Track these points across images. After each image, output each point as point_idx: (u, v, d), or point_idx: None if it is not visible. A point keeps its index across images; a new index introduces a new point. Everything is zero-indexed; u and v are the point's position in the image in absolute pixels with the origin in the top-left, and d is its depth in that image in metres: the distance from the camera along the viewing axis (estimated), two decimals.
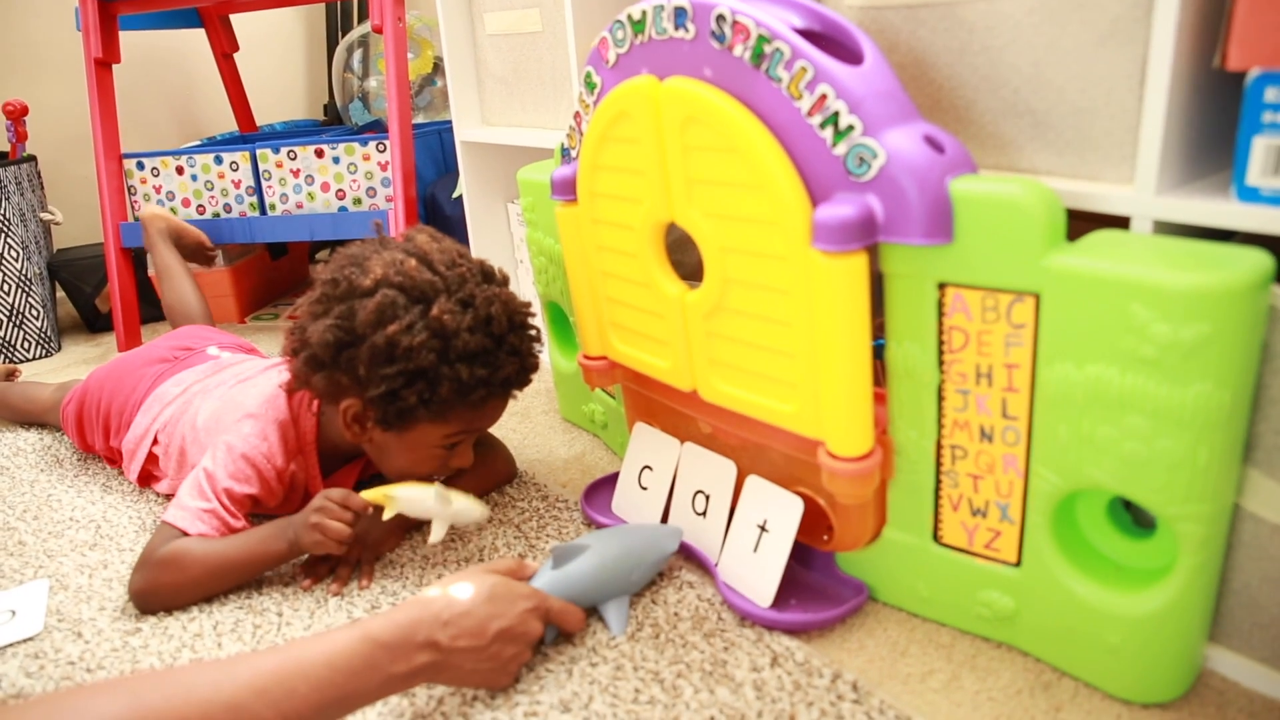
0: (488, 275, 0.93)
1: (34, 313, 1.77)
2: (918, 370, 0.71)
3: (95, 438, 1.19)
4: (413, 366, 0.85)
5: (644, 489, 0.93)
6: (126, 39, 1.79)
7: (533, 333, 0.94)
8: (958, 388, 0.69)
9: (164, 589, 0.87)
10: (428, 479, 0.92)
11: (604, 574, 0.80)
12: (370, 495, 0.87)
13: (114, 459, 1.19)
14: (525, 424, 1.24)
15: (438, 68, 2.07)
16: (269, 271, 2.02)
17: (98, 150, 1.75)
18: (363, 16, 2.30)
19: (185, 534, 0.89)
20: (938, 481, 0.74)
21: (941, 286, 0.67)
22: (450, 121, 1.79)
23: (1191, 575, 0.63)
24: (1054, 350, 0.63)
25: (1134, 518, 0.70)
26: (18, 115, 1.87)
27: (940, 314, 0.68)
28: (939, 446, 0.72)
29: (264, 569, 0.90)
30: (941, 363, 0.70)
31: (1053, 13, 0.70)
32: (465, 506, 0.88)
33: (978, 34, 0.75)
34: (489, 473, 1.05)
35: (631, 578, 0.82)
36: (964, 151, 0.67)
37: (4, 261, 1.72)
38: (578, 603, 0.79)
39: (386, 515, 0.87)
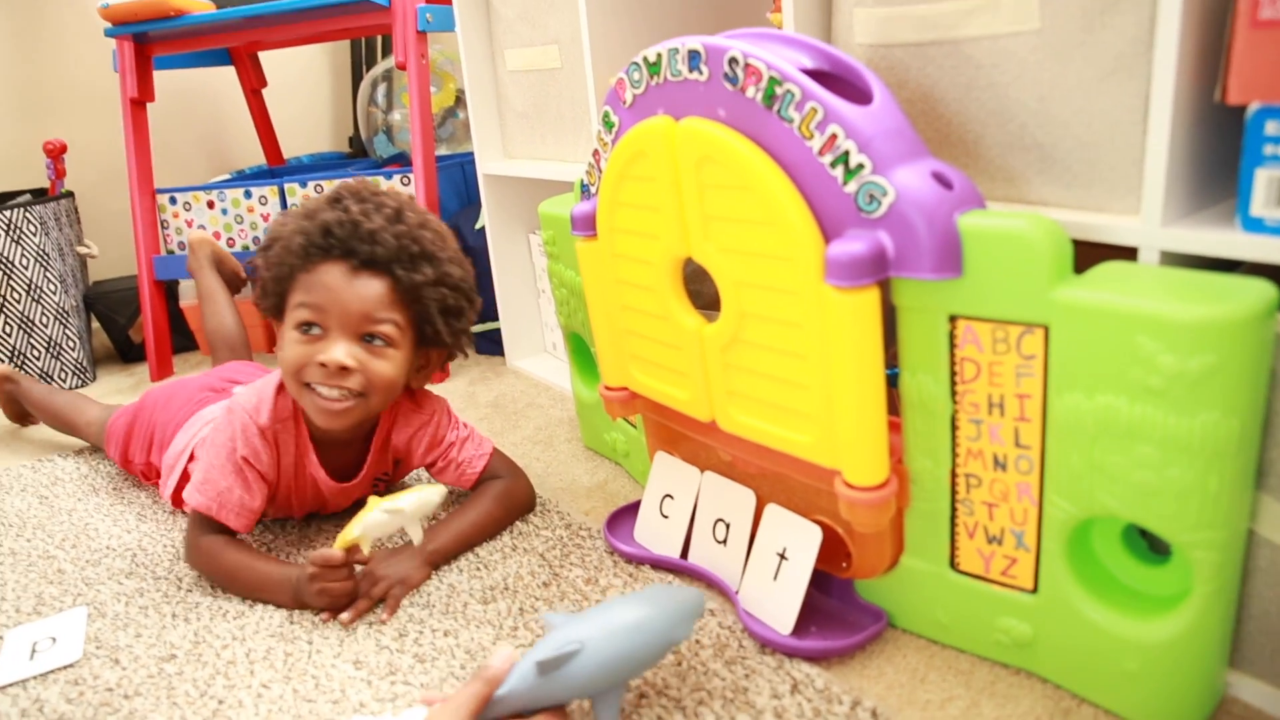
0: (391, 188, 1.02)
1: (70, 344, 1.82)
2: (931, 400, 0.72)
3: (137, 452, 1.23)
4: (269, 237, 0.98)
5: (665, 517, 0.95)
6: (160, 77, 1.84)
7: (375, 202, 0.95)
8: (971, 417, 0.71)
9: (201, 570, 1.01)
10: (375, 492, 1.01)
11: (595, 680, 0.67)
12: (340, 543, 0.90)
13: (149, 475, 1.23)
14: (548, 452, 1.26)
15: (459, 100, 2.11)
16: None
17: (132, 186, 1.80)
18: (386, 52, 2.35)
19: (213, 522, 0.99)
20: (953, 509, 0.75)
21: (952, 319, 0.69)
22: (472, 153, 1.82)
23: (1208, 601, 0.64)
24: (1064, 381, 0.65)
25: (1149, 544, 0.71)
26: (57, 153, 1.93)
27: (952, 345, 0.70)
28: (954, 475, 0.74)
29: (264, 600, 0.96)
30: (954, 393, 0.71)
31: (1057, 50, 0.72)
32: (418, 500, 0.89)
33: (984, 70, 0.77)
34: (511, 504, 1.07)
35: (628, 677, 0.69)
36: (972, 187, 0.69)
37: (43, 295, 1.77)
38: (562, 702, 0.69)
39: (365, 551, 0.91)
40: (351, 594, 0.92)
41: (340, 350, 0.92)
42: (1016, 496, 0.71)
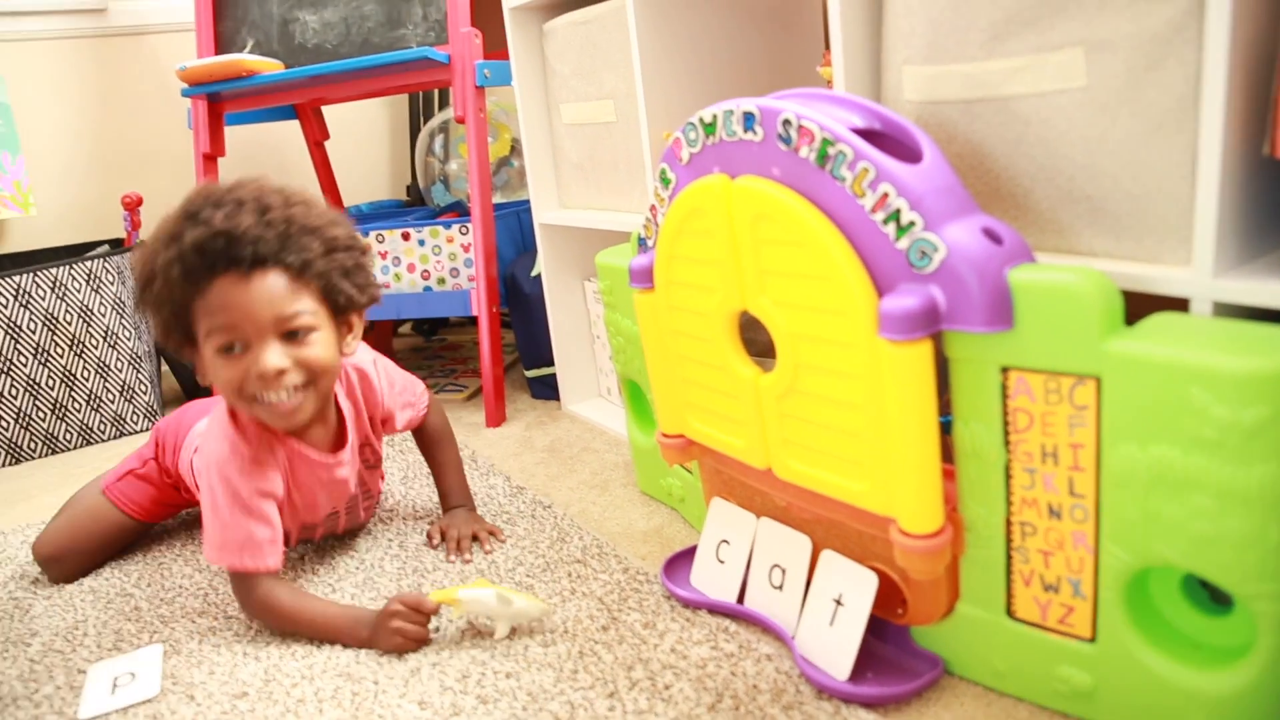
0: (238, 180, 0.96)
1: (142, 388, 1.89)
2: (984, 450, 0.73)
3: (165, 454, 1.26)
4: (141, 276, 0.94)
5: (721, 562, 0.97)
6: (229, 132, 1.93)
7: (234, 201, 0.92)
8: (1024, 466, 0.72)
9: (265, 624, 1.03)
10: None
11: None
12: (439, 596, 0.95)
13: (167, 476, 1.26)
14: (604, 497, 1.28)
15: (515, 149, 2.17)
16: None
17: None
18: (444, 104, 2.43)
19: (254, 573, 1.00)
20: (1009, 557, 0.76)
21: (1004, 370, 0.70)
22: (527, 201, 1.88)
23: (1273, 654, 0.64)
24: (1117, 431, 0.66)
25: (1210, 594, 0.71)
26: (134, 206, 2.02)
27: (1004, 396, 0.71)
28: (1008, 523, 0.75)
29: (333, 642, 0.99)
30: (1007, 442, 0.72)
31: (1103, 106, 0.74)
32: (524, 607, 0.93)
33: (1033, 126, 0.79)
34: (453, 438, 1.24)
35: None
36: (1021, 241, 0.70)
37: (119, 341, 1.85)
38: None
39: (455, 615, 0.96)
40: (423, 642, 0.95)
41: (270, 357, 0.92)
42: (1072, 545, 0.71)
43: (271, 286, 0.92)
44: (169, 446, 1.25)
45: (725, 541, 0.97)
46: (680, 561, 1.04)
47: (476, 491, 1.31)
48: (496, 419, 1.64)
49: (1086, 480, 0.69)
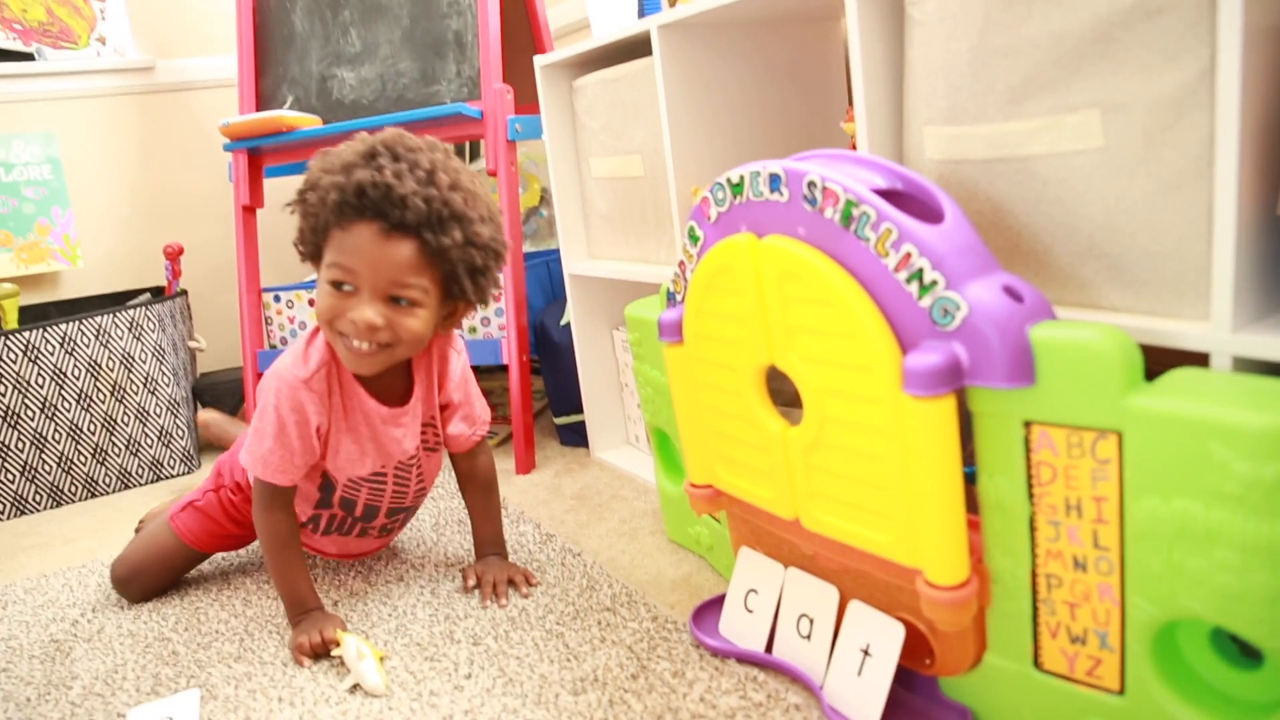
0: (428, 141, 1.02)
1: (180, 433, 1.94)
2: (1009, 502, 0.75)
3: (224, 477, 1.30)
4: (307, 182, 1.01)
5: (750, 612, 0.98)
6: (268, 184, 1.99)
7: (410, 161, 0.97)
8: (1049, 519, 0.73)
9: (259, 534, 1.15)
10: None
11: None
12: (340, 639, 1.06)
13: (225, 508, 1.30)
14: (633, 545, 1.30)
15: (544, 198, 2.22)
16: None
17: (241, 285, 1.93)
18: (475, 155, 2.49)
19: (271, 485, 1.11)
20: (1035, 609, 0.77)
21: (1027, 424, 0.72)
22: (556, 250, 1.92)
23: None
24: (1140, 485, 0.67)
25: (1241, 648, 0.71)
26: (175, 255, 2.09)
27: (1027, 450, 0.72)
28: (1034, 575, 0.76)
29: (282, 597, 1.15)
30: (1031, 495, 0.73)
31: (1119, 166, 0.76)
32: (366, 669, 1.00)
33: (1051, 185, 0.81)
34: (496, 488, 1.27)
35: None
36: (1042, 299, 0.72)
37: (158, 387, 1.90)
38: None
39: (334, 651, 1.06)
40: (309, 657, 1.07)
41: (370, 311, 0.99)
42: (1098, 597, 0.72)
43: (401, 252, 0.98)
44: (227, 468, 1.30)
45: (753, 591, 0.98)
46: (709, 610, 1.05)
47: (506, 538, 1.32)
48: (526, 466, 1.66)
49: (1111, 533, 0.70)
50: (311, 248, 1.04)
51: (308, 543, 1.27)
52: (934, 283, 0.71)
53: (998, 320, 0.69)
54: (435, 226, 0.97)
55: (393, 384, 1.15)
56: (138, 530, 1.50)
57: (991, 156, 0.85)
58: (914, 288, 0.72)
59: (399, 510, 1.27)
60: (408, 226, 0.97)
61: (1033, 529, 0.74)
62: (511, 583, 1.19)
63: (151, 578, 1.29)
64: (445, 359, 1.19)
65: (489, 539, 1.26)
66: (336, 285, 1.00)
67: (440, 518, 1.48)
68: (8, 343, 1.74)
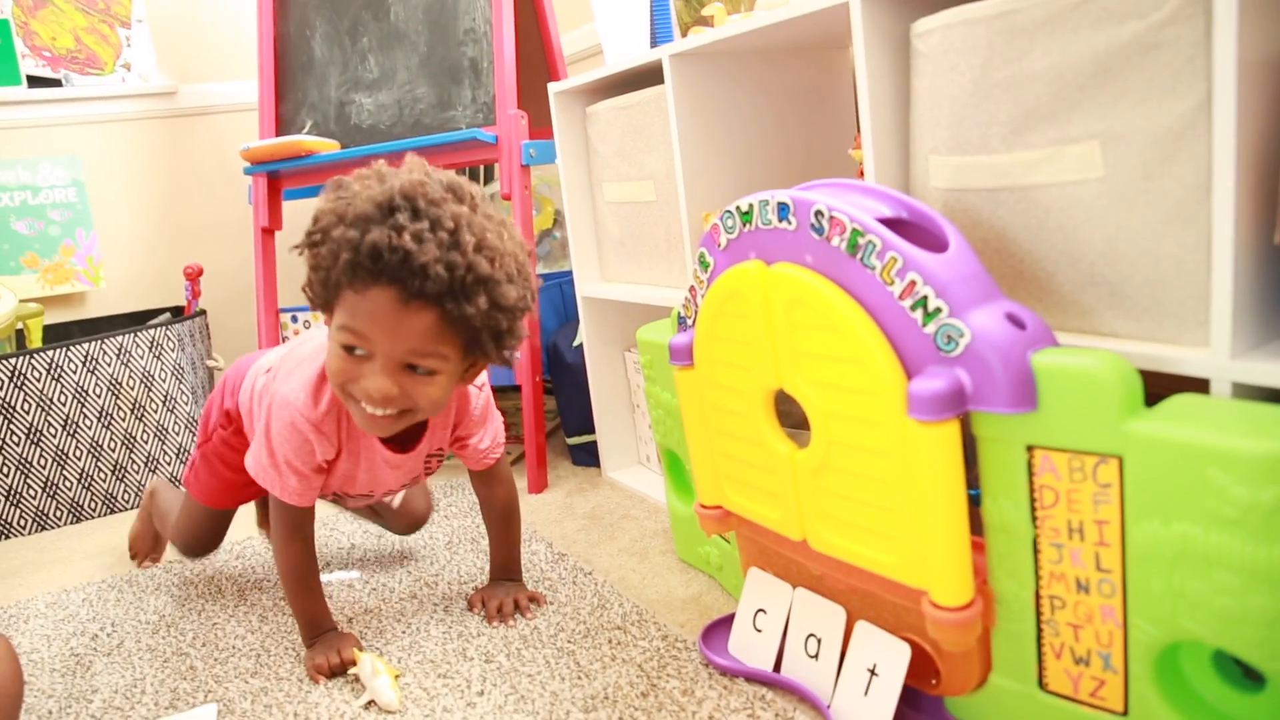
0: (452, 187, 0.93)
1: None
2: (1012, 525, 0.76)
3: (226, 396, 1.28)
4: (317, 228, 0.91)
5: (759, 631, 0.99)
6: (286, 206, 2.02)
7: (432, 219, 0.88)
8: (1051, 541, 0.74)
9: (275, 553, 1.16)
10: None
11: None
12: (356, 655, 1.09)
13: (227, 423, 1.28)
14: (644, 564, 1.31)
15: (557, 221, 2.25)
16: None
17: (259, 306, 1.96)
18: (489, 178, 2.52)
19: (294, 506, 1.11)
20: (1039, 630, 0.78)
21: (1030, 449, 0.73)
22: (568, 272, 1.94)
23: None
24: (1140, 508, 0.68)
25: (1244, 670, 0.72)
26: (195, 276, 2.12)
27: (1030, 473, 0.74)
28: (1038, 596, 0.77)
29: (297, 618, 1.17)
30: (1034, 518, 0.75)
31: (1119, 196, 0.78)
32: (380, 686, 1.03)
33: (1053, 214, 0.83)
34: (517, 514, 1.26)
35: None
36: (1043, 326, 0.74)
37: (176, 405, 1.93)
38: None
39: (351, 671, 1.09)
40: (326, 676, 1.10)
41: (385, 382, 0.92)
42: (1101, 619, 0.73)
43: (421, 322, 0.90)
44: (230, 388, 1.27)
45: (762, 610, 1.00)
46: (718, 629, 1.07)
47: None
48: (538, 485, 1.68)
49: (1112, 555, 0.71)
50: (321, 301, 0.96)
51: None
52: (938, 310, 0.73)
53: (1000, 347, 0.71)
54: (458, 295, 0.89)
55: (406, 431, 1.10)
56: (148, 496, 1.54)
57: (995, 186, 0.87)
58: (919, 315, 0.74)
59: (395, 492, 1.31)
60: (428, 296, 0.88)
61: (1036, 551, 0.76)
62: (517, 605, 1.20)
63: (201, 540, 1.35)
64: (465, 397, 1.15)
65: (502, 564, 1.26)
66: (349, 349, 0.93)
67: (454, 535, 1.50)
68: (32, 361, 1.77)
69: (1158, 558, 0.68)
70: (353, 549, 1.49)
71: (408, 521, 1.44)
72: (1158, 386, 0.75)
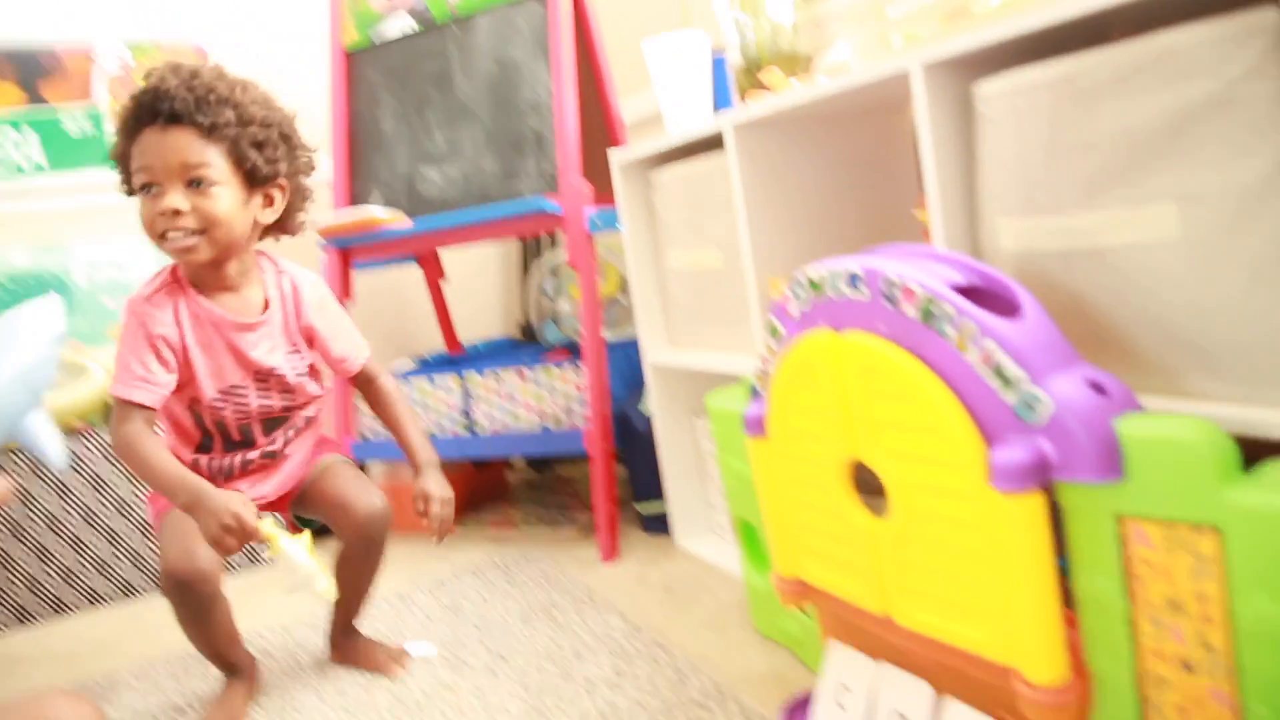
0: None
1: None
2: (1105, 599, 0.73)
3: None
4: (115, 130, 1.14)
5: (841, 708, 0.96)
6: (356, 276, 2.08)
7: (173, 67, 1.10)
8: (1149, 617, 0.71)
9: (123, 458, 1.13)
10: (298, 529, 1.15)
11: None
12: (268, 533, 1.07)
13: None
14: (722, 639, 1.29)
15: (622, 286, 2.27)
16: (473, 482, 2.19)
17: (333, 376, 2.01)
18: (553, 244, 2.57)
19: (130, 405, 1.13)
20: (1142, 713, 0.74)
21: (1119, 519, 0.71)
22: (635, 338, 1.95)
23: None
24: (1246, 582, 0.65)
25: None
26: None
27: (1121, 545, 0.71)
28: (1138, 676, 0.74)
29: (166, 495, 1.12)
30: (1129, 592, 0.72)
31: (1200, 256, 0.76)
32: (314, 571, 1.05)
33: (1132, 276, 0.81)
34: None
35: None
36: (1127, 392, 0.72)
37: None
38: None
39: (268, 555, 1.07)
40: (229, 551, 1.07)
41: (170, 199, 1.09)
42: (1212, 701, 0.70)
43: (181, 139, 1.10)
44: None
45: (844, 687, 0.97)
46: (800, 706, 1.04)
47: (593, 629, 1.33)
48: (610, 554, 1.67)
49: (1218, 633, 0.68)
50: (124, 177, 1.15)
51: None
52: (1016, 378, 0.71)
53: (1083, 415, 0.69)
54: (205, 109, 1.09)
55: (246, 300, 1.22)
56: None
57: (1068, 248, 0.85)
58: (996, 383, 0.73)
59: (274, 423, 1.28)
60: (179, 116, 1.09)
61: (1133, 628, 0.73)
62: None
63: (181, 558, 1.20)
64: (296, 288, 1.27)
65: (420, 444, 1.33)
66: (145, 189, 1.11)
67: (529, 608, 1.49)
68: None
69: (1271, 636, 0.65)
70: (429, 621, 1.50)
71: (353, 522, 1.29)
72: (1252, 451, 0.72)
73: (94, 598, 1.84)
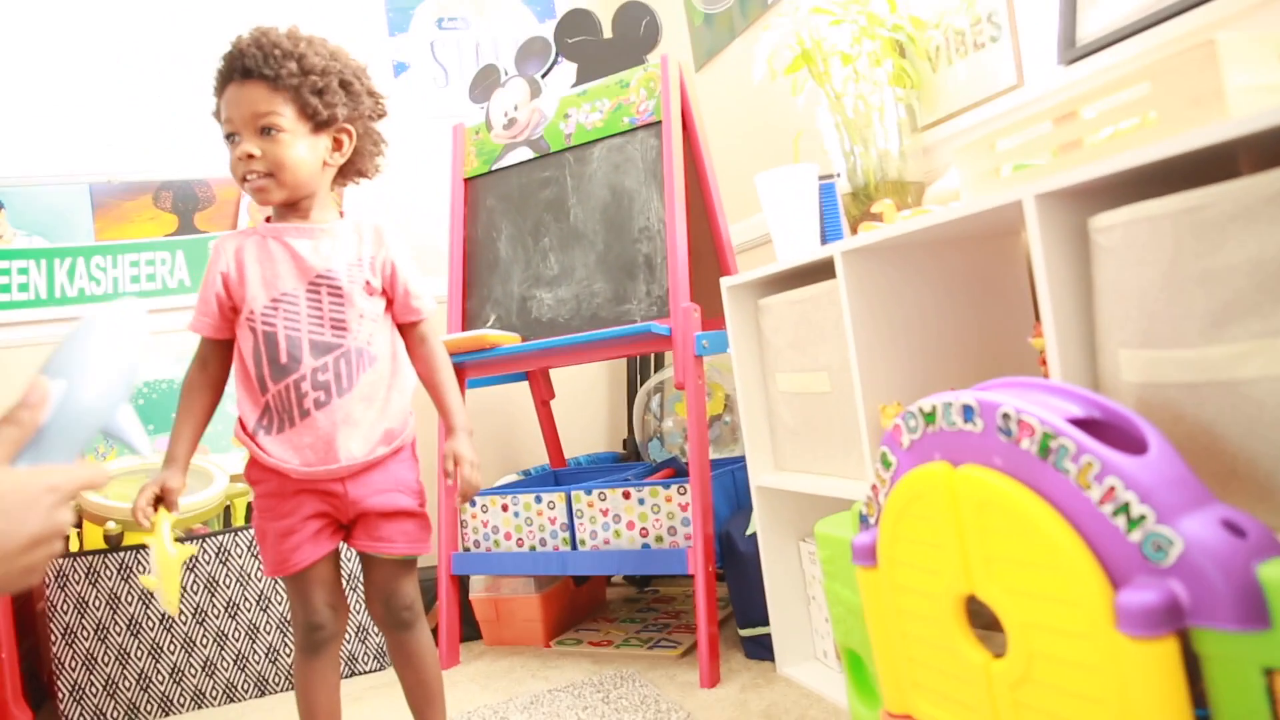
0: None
1: (374, 630, 2.03)
2: None
3: None
4: None
5: None
6: (470, 394, 2.14)
7: (250, 32, 1.22)
8: None
9: None
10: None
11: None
12: (157, 522, 1.18)
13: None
14: None
15: (728, 405, 2.28)
16: (573, 598, 2.19)
17: (440, 490, 2.06)
18: (659, 363, 2.61)
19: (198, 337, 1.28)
20: None
21: (1269, 672, 0.67)
22: (741, 458, 1.95)
23: None
24: None
25: None
26: None
27: (1272, 701, 0.67)
28: None
29: None
30: None
31: None
32: (167, 584, 1.11)
33: (1267, 409, 0.78)
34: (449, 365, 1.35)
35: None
36: (1267, 532, 0.69)
37: (357, 585, 2.01)
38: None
39: (147, 539, 1.16)
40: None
41: (246, 145, 1.20)
42: None
43: (253, 92, 1.20)
44: None
45: None
46: None
47: None
48: (711, 679, 1.63)
49: None
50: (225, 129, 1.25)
51: (269, 452, 1.25)
52: (1143, 517, 0.69)
53: (1219, 558, 0.66)
54: (270, 64, 1.19)
55: (313, 235, 1.27)
56: None
57: (1196, 380, 0.83)
58: (1121, 521, 0.70)
59: (323, 349, 1.24)
60: (250, 71, 1.20)
61: None
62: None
63: (300, 617, 1.30)
64: (381, 230, 1.32)
65: (456, 409, 1.33)
66: (229, 139, 1.22)
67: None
68: (236, 538, 1.92)
69: None
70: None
71: (378, 613, 1.37)
72: None
73: (199, 700, 1.88)
